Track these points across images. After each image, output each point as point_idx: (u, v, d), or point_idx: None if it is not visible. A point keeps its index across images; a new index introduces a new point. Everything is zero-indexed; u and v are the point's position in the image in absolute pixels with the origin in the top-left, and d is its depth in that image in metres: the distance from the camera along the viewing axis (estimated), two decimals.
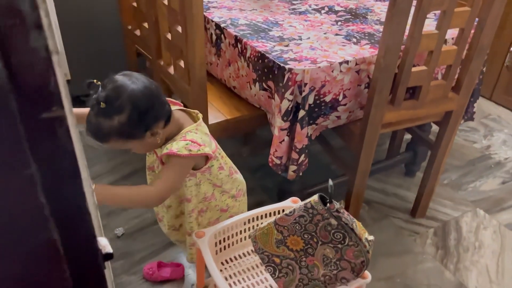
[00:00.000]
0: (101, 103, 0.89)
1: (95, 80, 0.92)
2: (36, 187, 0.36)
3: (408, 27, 1.20)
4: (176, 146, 0.98)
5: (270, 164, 1.39)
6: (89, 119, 0.93)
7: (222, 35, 1.51)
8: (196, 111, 1.12)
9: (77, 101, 2.28)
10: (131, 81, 0.93)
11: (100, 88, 0.91)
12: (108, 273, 0.53)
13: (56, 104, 0.33)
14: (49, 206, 0.37)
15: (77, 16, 2.12)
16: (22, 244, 0.38)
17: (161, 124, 1.00)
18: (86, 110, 1.12)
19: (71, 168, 0.37)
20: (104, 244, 0.45)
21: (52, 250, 0.39)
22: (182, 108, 1.13)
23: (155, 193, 0.96)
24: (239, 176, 1.24)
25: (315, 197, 0.88)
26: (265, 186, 1.91)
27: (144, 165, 1.21)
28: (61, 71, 0.38)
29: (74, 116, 0.41)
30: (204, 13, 1.50)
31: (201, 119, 1.09)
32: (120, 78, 0.94)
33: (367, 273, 0.93)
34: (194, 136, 1.01)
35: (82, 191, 0.39)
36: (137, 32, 1.82)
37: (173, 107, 1.11)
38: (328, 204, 0.87)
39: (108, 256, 0.45)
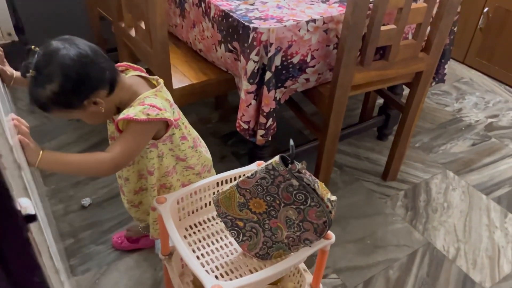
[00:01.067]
0: (31, 70, 0.83)
1: (33, 46, 0.85)
2: None
3: None
4: (133, 111, 0.92)
5: (238, 129, 1.36)
6: (28, 88, 0.87)
7: None
8: (156, 77, 1.05)
9: None
10: (64, 46, 0.86)
11: (36, 55, 0.85)
12: (42, 237, 0.49)
13: None
14: None
15: None
16: None
17: (103, 93, 0.92)
18: None
19: None
20: (26, 205, 0.41)
21: None
22: (141, 74, 1.05)
23: (109, 160, 0.91)
24: (204, 150, 1.18)
25: (276, 158, 0.85)
26: (237, 153, 1.88)
27: None
28: None
29: None
30: None
31: (161, 84, 1.03)
32: (54, 43, 0.87)
33: (330, 233, 0.92)
34: (153, 101, 0.95)
35: None
36: None
37: (131, 73, 1.05)
38: (289, 165, 0.85)
39: (31, 218, 0.41)
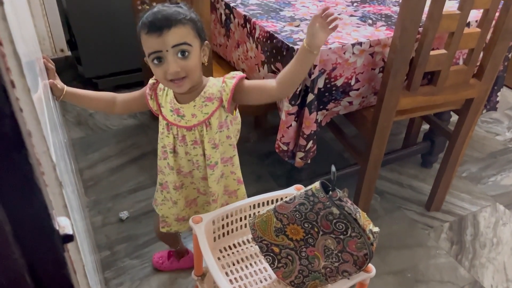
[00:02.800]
0: (178, 2, 0.97)
1: (146, 6, 1.00)
2: None
3: (427, 6, 1.12)
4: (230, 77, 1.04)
5: (277, 150, 1.34)
6: (164, 7, 0.94)
7: (232, 15, 1.45)
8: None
9: (89, 83, 2.26)
10: None
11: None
12: (78, 256, 0.49)
13: None
14: None
15: (89, 5, 2.10)
16: None
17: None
18: (92, 93, 1.14)
19: (12, 136, 0.32)
20: (64, 224, 0.41)
21: None
22: None
23: (276, 87, 1.02)
24: None
25: (317, 184, 0.82)
26: (274, 173, 1.86)
27: (153, 149, 1.17)
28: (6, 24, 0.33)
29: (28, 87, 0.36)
30: None
31: None
32: None
33: (371, 266, 0.88)
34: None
35: (28, 162, 0.34)
36: None
37: None
38: (330, 192, 0.82)
39: (68, 238, 0.41)
